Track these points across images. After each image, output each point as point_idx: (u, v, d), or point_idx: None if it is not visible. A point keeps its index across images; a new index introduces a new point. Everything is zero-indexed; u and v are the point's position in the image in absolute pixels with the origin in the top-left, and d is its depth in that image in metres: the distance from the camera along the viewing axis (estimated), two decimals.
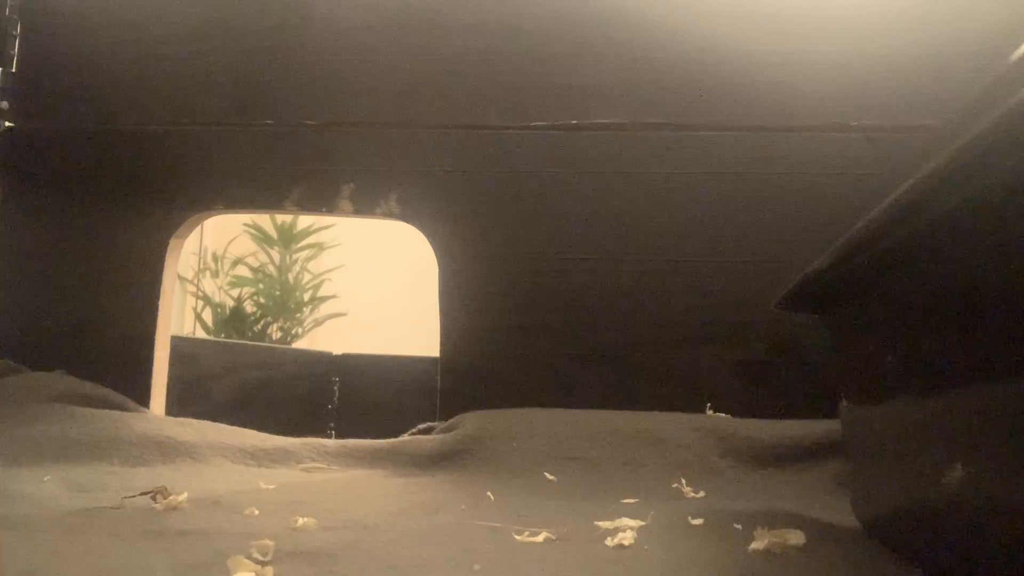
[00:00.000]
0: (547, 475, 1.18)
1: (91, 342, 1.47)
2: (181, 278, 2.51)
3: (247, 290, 2.61)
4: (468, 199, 1.47)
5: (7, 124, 1.53)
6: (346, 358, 1.70)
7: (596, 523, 0.84)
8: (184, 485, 0.96)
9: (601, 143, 1.48)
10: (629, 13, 1.48)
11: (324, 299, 2.67)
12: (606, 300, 1.45)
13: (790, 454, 1.25)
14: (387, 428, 1.38)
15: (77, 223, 1.51)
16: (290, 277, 2.62)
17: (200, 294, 2.59)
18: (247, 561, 0.64)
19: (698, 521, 0.86)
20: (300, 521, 0.83)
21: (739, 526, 0.82)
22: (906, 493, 0.69)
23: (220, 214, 1.55)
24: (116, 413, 1.31)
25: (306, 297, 2.63)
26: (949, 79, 1.38)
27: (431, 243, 1.44)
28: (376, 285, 3.26)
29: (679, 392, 1.40)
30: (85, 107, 1.52)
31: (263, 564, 0.65)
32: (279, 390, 1.71)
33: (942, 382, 0.58)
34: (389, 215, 1.46)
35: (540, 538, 0.79)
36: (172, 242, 1.49)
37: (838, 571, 0.69)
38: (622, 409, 1.35)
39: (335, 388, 1.66)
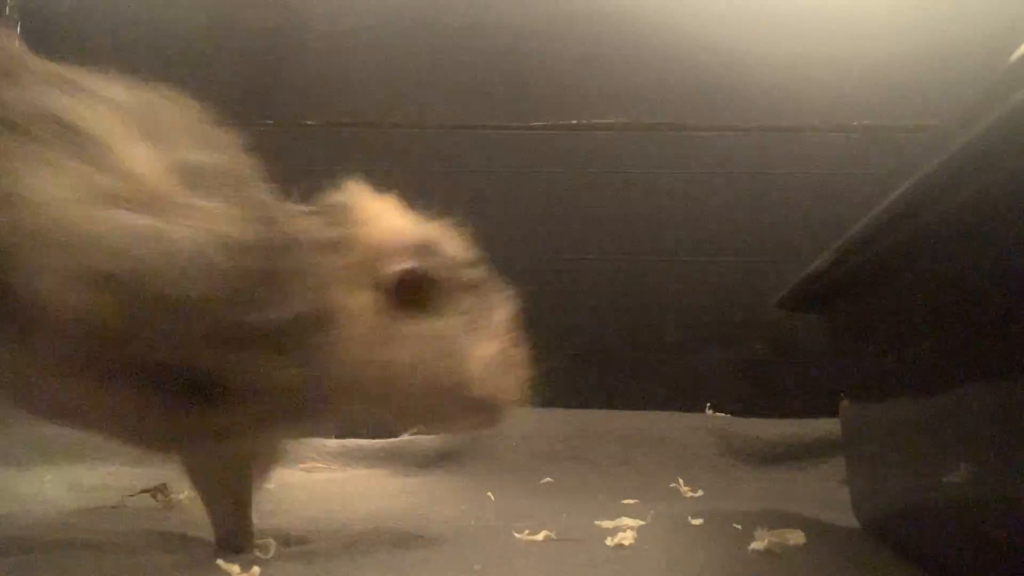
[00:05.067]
0: (547, 475, 1.18)
1: None
2: None
3: None
4: (468, 199, 1.47)
5: None
6: None
7: (596, 523, 0.84)
8: (184, 483, 0.96)
9: (601, 143, 1.48)
10: (629, 14, 1.48)
11: None
12: (606, 300, 1.45)
13: (790, 454, 1.25)
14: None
15: None
16: None
17: None
18: (235, 567, 0.64)
19: (698, 521, 0.86)
20: (299, 521, 0.83)
21: (739, 526, 0.82)
22: (906, 493, 0.69)
23: None
24: None
25: None
26: (949, 79, 1.38)
27: None
28: None
29: (679, 392, 1.40)
30: None
31: (251, 564, 0.65)
32: None
33: (942, 382, 0.58)
34: None
35: (540, 538, 0.79)
36: None
37: (838, 571, 0.69)
38: (622, 409, 1.35)
39: None
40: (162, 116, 0.64)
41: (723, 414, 1.36)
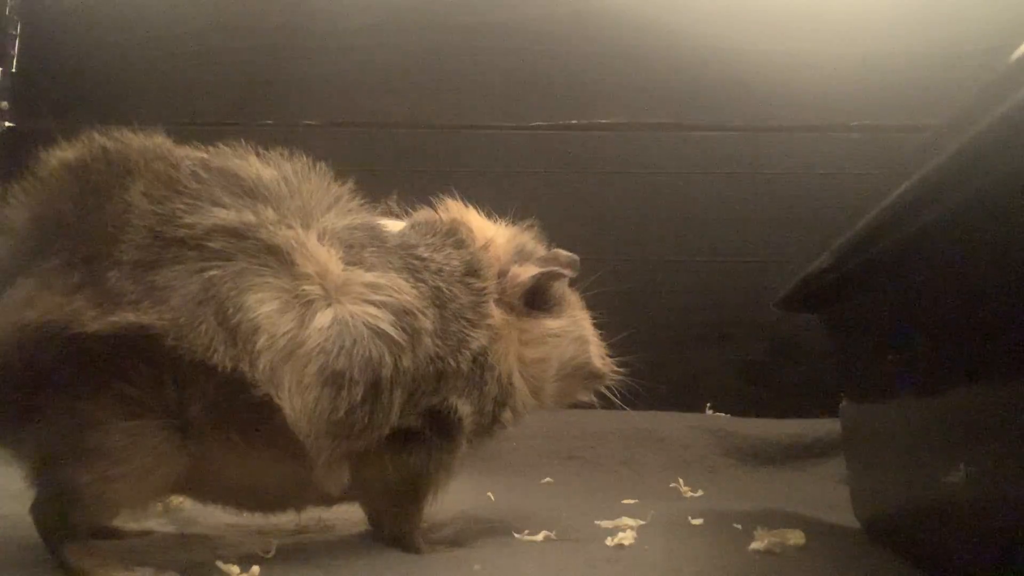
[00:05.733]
0: (547, 475, 1.18)
1: None
2: None
3: None
4: (468, 199, 1.47)
5: (7, 124, 1.53)
6: None
7: (596, 523, 0.84)
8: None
9: (601, 143, 1.48)
10: (629, 13, 1.48)
11: None
12: (606, 300, 1.45)
13: (790, 453, 1.25)
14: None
15: None
16: None
17: None
18: (235, 567, 0.64)
19: (698, 521, 0.86)
20: (299, 521, 0.83)
21: (739, 526, 0.82)
22: (906, 493, 0.69)
23: None
24: None
25: None
26: (949, 79, 1.37)
27: None
28: None
29: (679, 392, 1.40)
30: (85, 107, 1.52)
31: (253, 564, 0.65)
32: None
33: (942, 382, 0.58)
34: (389, 215, 1.46)
35: (540, 537, 0.79)
36: None
37: (838, 571, 0.69)
38: (622, 409, 1.35)
39: None
40: (301, 189, 0.68)
41: (723, 414, 1.36)
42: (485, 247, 0.78)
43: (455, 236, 0.77)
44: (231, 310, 0.60)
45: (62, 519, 0.63)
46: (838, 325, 0.88)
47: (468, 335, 0.72)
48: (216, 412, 0.63)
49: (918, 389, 0.64)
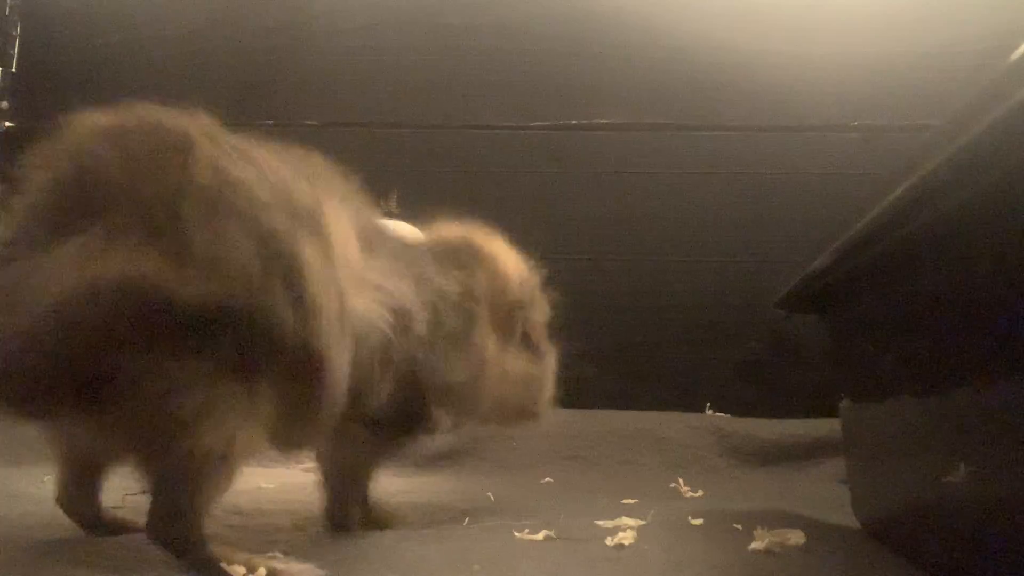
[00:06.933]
0: (547, 475, 1.18)
1: None
2: None
3: None
4: (469, 199, 1.47)
5: (7, 124, 1.53)
6: None
7: (596, 523, 0.84)
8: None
9: (601, 143, 1.48)
10: (629, 13, 1.48)
11: None
12: (607, 300, 1.45)
13: (790, 453, 1.25)
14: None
15: None
16: None
17: None
18: (240, 568, 0.64)
19: (698, 521, 0.86)
20: (300, 521, 0.83)
21: (739, 526, 0.82)
22: (906, 493, 0.69)
23: None
24: None
25: None
26: (949, 79, 1.38)
27: None
28: None
29: (679, 392, 1.40)
30: (85, 107, 1.52)
31: (257, 564, 0.65)
32: None
33: (942, 382, 0.59)
34: (389, 215, 1.46)
35: (540, 537, 0.79)
36: None
37: (838, 571, 0.69)
38: (622, 409, 1.35)
39: None
40: (318, 179, 0.69)
41: (723, 414, 1.36)
42: (486, 271, 0.84)
43: (462, 258, 0.83)
44: (297, 275, 0.59)
45: (194, 488, 0.60)
46: (838, 325, 0.88)
47: (452, 356, 0.78)
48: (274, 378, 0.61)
49: (918, 389, 0.64)
